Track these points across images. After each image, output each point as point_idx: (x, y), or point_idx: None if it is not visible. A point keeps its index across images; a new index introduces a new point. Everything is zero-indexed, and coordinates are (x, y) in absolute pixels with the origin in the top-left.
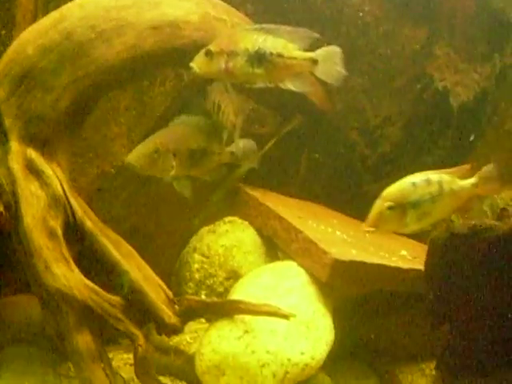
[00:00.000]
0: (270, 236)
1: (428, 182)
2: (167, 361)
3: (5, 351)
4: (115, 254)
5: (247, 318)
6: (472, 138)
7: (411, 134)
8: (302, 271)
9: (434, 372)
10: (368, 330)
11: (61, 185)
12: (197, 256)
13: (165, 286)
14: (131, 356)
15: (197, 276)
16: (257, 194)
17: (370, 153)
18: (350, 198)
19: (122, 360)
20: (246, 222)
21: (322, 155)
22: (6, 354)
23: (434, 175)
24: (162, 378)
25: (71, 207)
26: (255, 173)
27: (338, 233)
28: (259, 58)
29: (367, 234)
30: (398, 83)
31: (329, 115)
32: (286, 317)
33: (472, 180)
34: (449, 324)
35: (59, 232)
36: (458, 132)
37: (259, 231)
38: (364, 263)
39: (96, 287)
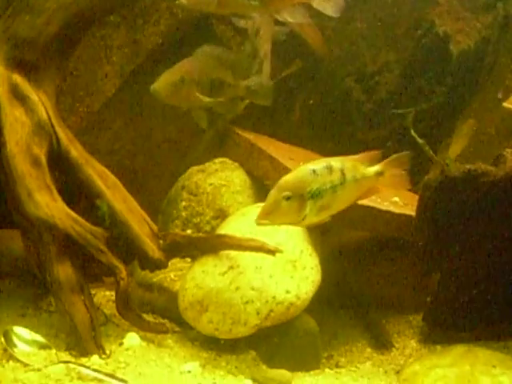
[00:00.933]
0: (260, 177)
1: (330, 169)
2: (150, 298)
3: None
4: (100, 184)
5: (232, 253)
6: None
7: (409, 81)
8: None
9: (421, 324)
10: (355, 280)
11: (46, 112)
12: (185, 194)
13: (149, 220)
14: (114, 293)
15: (184, 214)
16: (248, 135)
17: (365, 99)
18: (344, 145)
19: (105, 297)
20: (237, 163)
21: (316, 101)
22: None
23: (335, 162)
24: (144, 315)
25: (56, 135)
26: (247, 116)
27: None
28: None
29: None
30: (398, 30)
31: (325, 61)
32: (272, 252)
33: (376, 168)
34: (438, 273)
35: (43, 160)
36: (457, 80)
37: (249, 173)
38: (353, 204)
39: (79, 218)
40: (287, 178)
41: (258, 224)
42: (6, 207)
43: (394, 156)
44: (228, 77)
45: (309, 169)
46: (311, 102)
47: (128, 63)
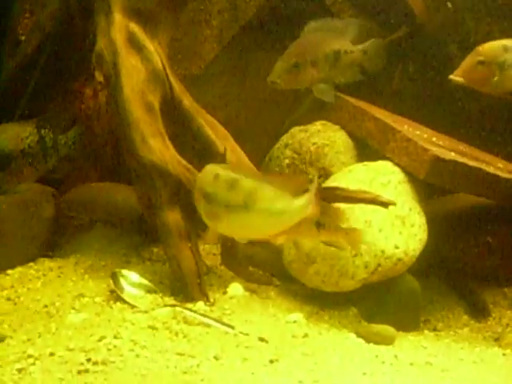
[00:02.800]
0: (363, 137)
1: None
2: (252, 252)
3: (91, 231)
4: (211, 134)
5: (342, 207)
6: None
7: None
8: (397, 169)
9: None
10: (453, 249)
11: (161, 61)
12: (288, 152)
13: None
14: (213, 247)
15: (287, 171)
16: (349, 98)
17: None
18: (444, 116)
19: (204, 250)
20: (338, 126)
21: (418, 68)
22: (92, 233)
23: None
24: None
25: (170, 84)
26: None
27: (433, 139)
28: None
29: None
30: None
31: (428, 28)
32: (385, 205)
33: (303, 199)
34: None
35: (157, 107)
36: None
37: (351, 135)
38: (464, 164)
39: (190, 165)
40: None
41: None
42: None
43: (315, 184)
44: (343, 45)
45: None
46: (411, 69)
47: (227, 28)
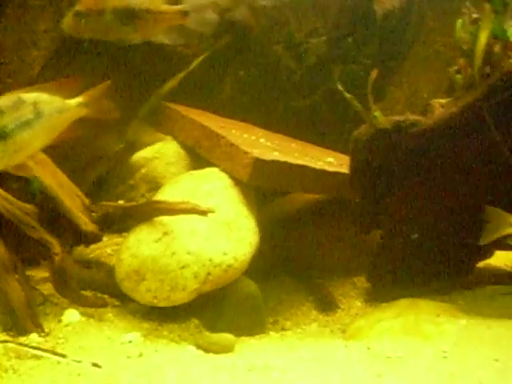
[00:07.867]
0: (193, 146)
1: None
2: (88, 274)
3: None
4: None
5: (166, 219)
6: None
7: (336, 45)
8: (223, 175)
9: (365, 284)
10: (297, 244)
11: None
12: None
13: (81, 194)
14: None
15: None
16: (179, 108)
17: (296, 66)
18: (277, 114)
19: (43, 279)
20: (169, 137)
21: (247, 72)
22: None
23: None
24: (83, 292)
25: None
26: (179, 91)
27: (261, 140)
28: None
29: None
30: None
31: (254, 31)
32: (204, 213)
33: (78, 99)
34: (379, 231)
35: None
36: (384, 40)
37: (183, 144)
38: (286, 163)
39: (7, 195)
40: None
41: None
42: None
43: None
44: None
45: None
46: (241, 73)
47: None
